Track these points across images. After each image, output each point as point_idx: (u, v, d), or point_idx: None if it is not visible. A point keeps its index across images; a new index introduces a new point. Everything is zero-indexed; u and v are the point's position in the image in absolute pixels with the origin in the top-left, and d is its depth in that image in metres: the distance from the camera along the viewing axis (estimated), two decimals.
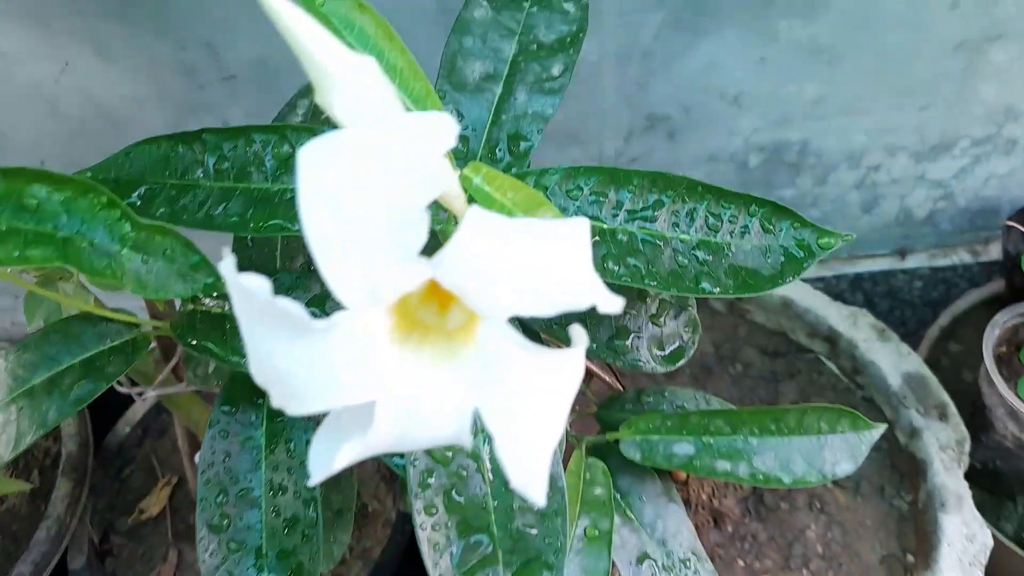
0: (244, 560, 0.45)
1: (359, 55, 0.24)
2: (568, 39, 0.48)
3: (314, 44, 0.23)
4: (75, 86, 0.72)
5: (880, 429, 0.57)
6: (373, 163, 0.22)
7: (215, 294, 0.44)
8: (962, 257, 1.03)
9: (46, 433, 0.42)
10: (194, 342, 0.43)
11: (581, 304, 0.23)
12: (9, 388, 0.43)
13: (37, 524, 0.83)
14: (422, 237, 0.22)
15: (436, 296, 0.28)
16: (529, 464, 0.24)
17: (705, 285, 0.42)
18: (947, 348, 0.99)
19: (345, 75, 0.23)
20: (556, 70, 0.48)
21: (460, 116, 0.46)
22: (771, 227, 0.43)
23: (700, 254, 0.42)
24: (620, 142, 0.85)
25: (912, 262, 1.04)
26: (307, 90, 0.60)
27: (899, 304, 1.09)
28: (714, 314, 0.95)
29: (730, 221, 0.43)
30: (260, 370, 0.25)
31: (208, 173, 0.40)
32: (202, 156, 0.40)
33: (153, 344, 0.73)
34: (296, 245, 0.46)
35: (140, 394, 0.71)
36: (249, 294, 0.23)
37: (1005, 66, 0.80)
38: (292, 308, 0.23)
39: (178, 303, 0.47)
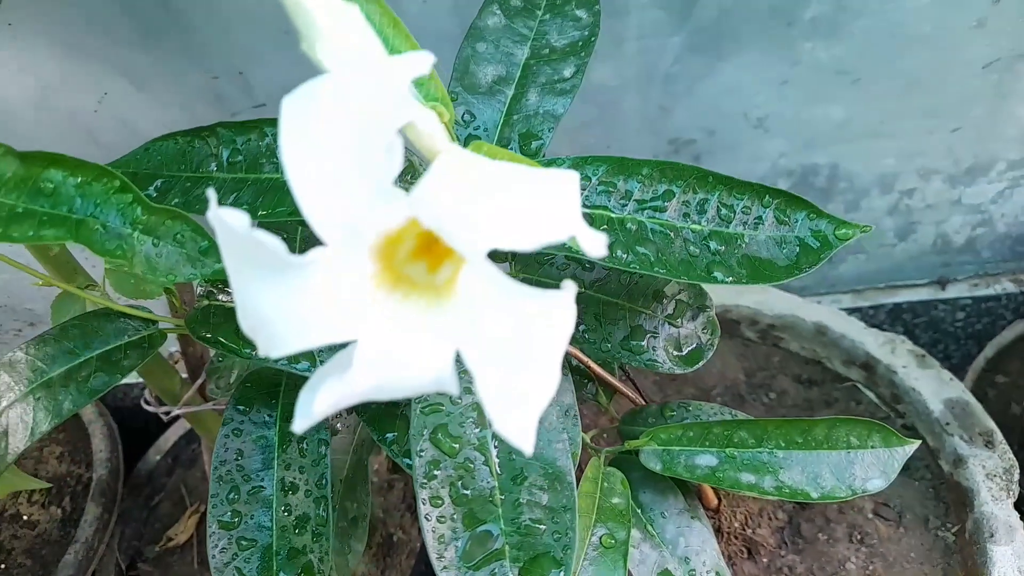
0: (254, 558, 0.45)
1: (343, 3, 0.24)
2: (580, 43, 0.49)
3: None
4: (112, 115, 0.75)
5: (913, 445, 0.54)
6: (344, 99, 0.22)
7: (229, 288, 0.44)
8: (1005, 287, 1.00)
9: (60, 423, 0.42)
10: (208, 335, 0.44)
11: (562, 237, 0.23)
12: (29, 380, 0.43)
13: (66, 550, 0.84)
14: (395, 168, 0.22)
15: (427, 255, 0.28)
16: (512, 407, 0.23)
17: (718, 274, 0.41)
18: (993, 380, 0.96)
19: (328, 22, 0.24)
20: (568, 72, 0.48)
21: (472, 116, 0.47)
22: (786, 218, 0.43)
23: (712, 244, 0.42)
24: None
25: (953, 292, 1.01)
26: None
27: (941, 336, 1.06)
28: (746, 343, 0.93)
29: (743, 212, 0.42)
30: (245, 314, 0.25)
31: (222, 165, 0.41)
32: (216, 149, 0.42)
33: (180, 362, 0.75)
34: (313, 236, 0.47)
35: (167, 413, 0.72)
36: (230, 228, 0.23)
37: None
38: (270, 240, 0.23)
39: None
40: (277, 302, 0.24)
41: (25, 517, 0.91)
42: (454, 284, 0.25)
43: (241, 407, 0.48)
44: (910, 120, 0.82)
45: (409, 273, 0.27)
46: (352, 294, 0.24)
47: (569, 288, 0.25)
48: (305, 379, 0.26)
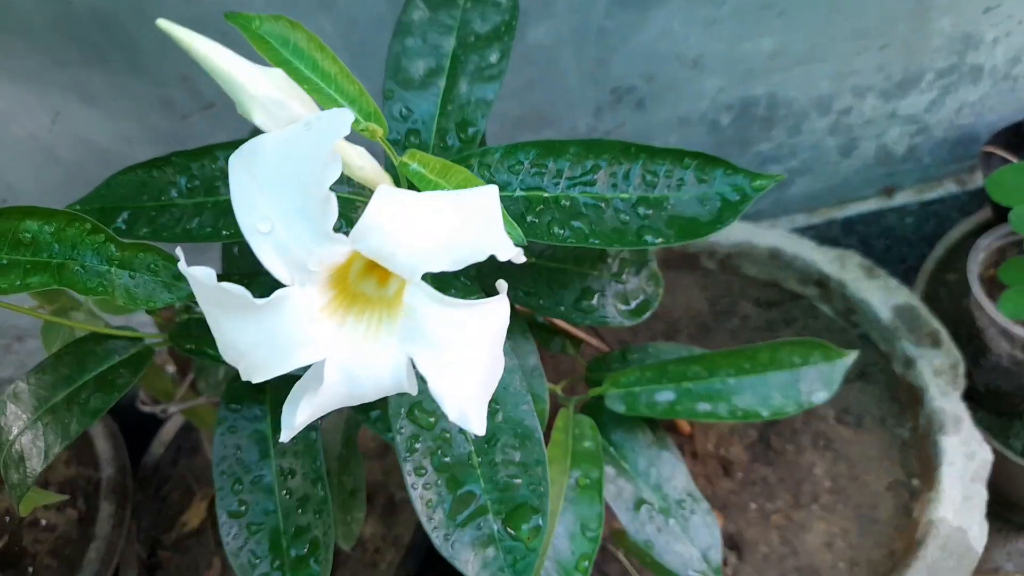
0: (264, 539, 0.49)
1: (267, 68, 0.27)
2: (502, 27, 0.52)
3: (225, 64, 0.26)
4: (68, 133, 0.77)
5: (852, 355, 0.59)
6: (284, 159, 0.25)
7: None
8: (949, 188, 1.05)
9: (70, 445, 0.46)
10: (191, 347, 0.47)
11: (482, 255, 0.27)
12: (34, 408, 0.47)
13: (87, 547, 0.89)
14: (332, 215, 0.26)
15: (375, 270, 0.32)
16: (461, 399, 0.28)
17: (648, 237, 0.45)
18: (944, 279, 1.01)
19: (255, 87, 0.27)
20: (494, 57, 0.51)
21: (409, 111, 0.50)
22: (705, 176, 0.46)
23: (641, 209, 0.45)
24: (591, 118, 0.88)
25: (900, 199, 1.05)
26: None
27: (894, 242, 1.11)
28: (707, 273, 0.98)
29: (666, 176, 0.46)
30: (225, 349, 0.29)
31: (181, 192, 0.44)
32: (174, 177, 0.45)
33: (171, 365, 0.78)
34: None
35: (163, 411, 0.76)
36: (200, 282, 0.27)
37: None
38: (235, 289, 0.26)
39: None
40: (251, 338, 0.27)
41: (44, 522, 0.95)
42: (401, 299, 0.29)
43: (233, 405, 0.52)
44: (839, 43, 0.85)
45: (363, 290, 0.31)
46: (313, 322, 0.28)
47: (502, 290, 0.29)
48: (287, 375, 0.30)
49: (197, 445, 1.02)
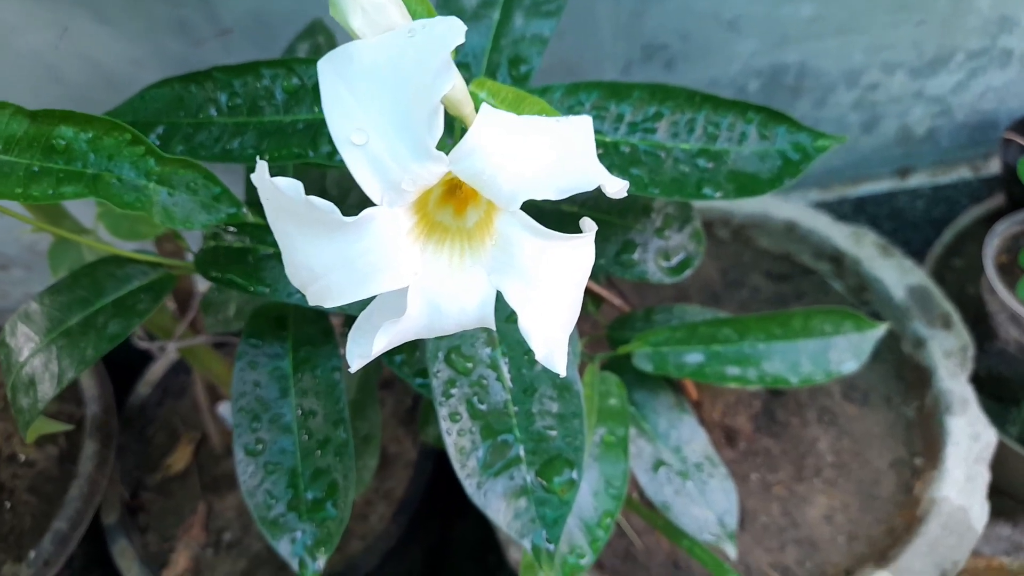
0: (281, 479, 0.48)
1: None
2: None
3: None
4: (75, 51, 0.73)
5: (883, 327, 0.58)
6: (387, 67, 0.23)
7: (235, 229, 0.45)
8: (962, 174, 1.04)
9: (83, 369, 0.44)
10: (218, 275, 0.45)
11: (588, 186, 0.25)
12: (47, 329, 0.45)
13: (68, 485, 0.86)
14: (437, 132, 0.24)
15: (451, 200, 0.30)
16: (550, 336, 0.26)
17: (707, 191, 0.43)
18: (951, 264, 1.01)
19: None
20: None
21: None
22: (767, 133, 0.45)
23: (701, 161, 0.44)
24: (618, 74, 0.85)
25: (914, 181, 1.05)
26: (306, 34, 0.61)
27: (903, 224, 1.10)
28: (719, 243, 0.97)
29: (728, 128, 0.44)
30: (296, 271, 0.27)
31: (221, 110, 0.42)
32: (214, 94, 0.42)
33: (171, 302, 0.76)
34: (309, 173, 0.48)
35: (161, 348, 0.73)
36: (284, 196, 0.24)
37: None
38: (325, 205, 0.24)
39: (193, 244, 0.49)
40: (330, 259, 0.25)
41: (22, 457, 0.92)
42: (488, 230, 0.27)
43: (253, 340, 0.50)
44: (878, 15, 0.83)
45: (440, 219, 0.29)
46: (399, 246, 0.26)
47: (589, 229, 0.27)
48: (311, 310, 0.28)
49: (185, 386, 1.00)
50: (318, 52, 0.54)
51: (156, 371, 1.02)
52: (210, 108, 0.42)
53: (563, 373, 0.27)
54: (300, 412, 0.49)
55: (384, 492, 0.89)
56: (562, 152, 0.25)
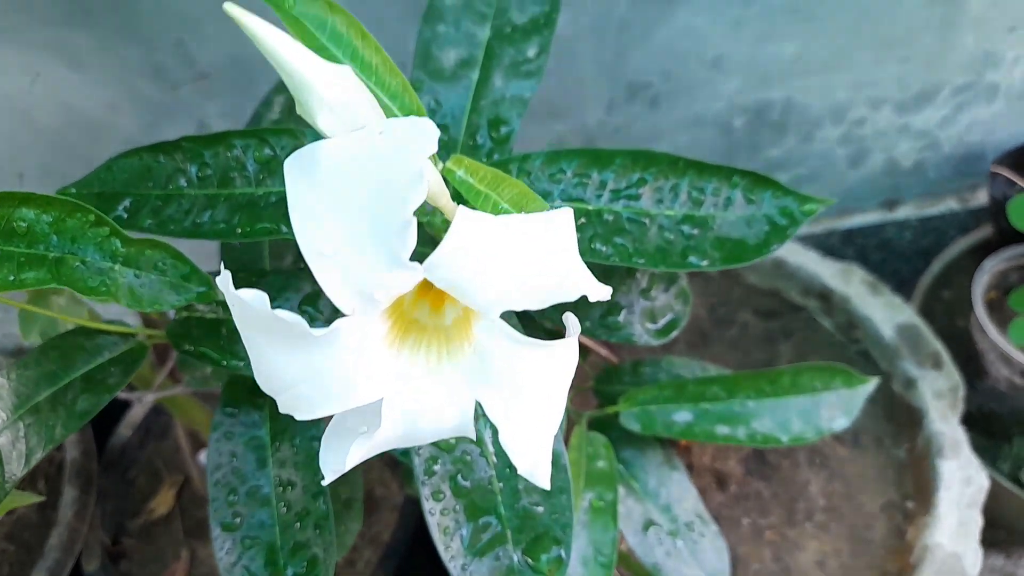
0: (259, 555, 0.46)
1: (335, 65, 0.24)
2: (542, 19, 0.48)
3: (292, 58, 0.23)
4: (48, 96, 0.72)
5: (872, 383, 0.57)
6: (356, 173, 0.22)
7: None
8: (950, 205, 1.04)
9: (55, 447, 0.42)
10: (191, 348, 0.44)
11: (571, 296, 0.24)
12: (14, 405, 0.43)
13: (48, 532, 0.84)
14: (411, 242, 0.22)
15: (427, 296, 0.29)
16: (533, 450, 0.25)
17: (692, 259, 0.42)
18: (940, 296, 1.00)
19: (323, 86, 0.23)
20: (532, 52, 0.48)
21: (438, 104, 0.46)
22: (753, 197, 0.44)
23: (686, 228, 0.43)
24: (602, 113, 0.85)
25: (902, 213, 1.05)
26: (282, 86, 0.59)
27: (891, 256, 1.10)
28: (707, 279, 0.96)
29: (713, 194, 0.43)
30: (266, 380, 0.26)
31: (191, 181, 0.40)
32: (183, 164, 0.40)
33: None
34: (284, 243, 0.46)
35: (139, 399, 0.71)
36: (249, 308, 0.23)
37: (981, 13, 0.80)
38: (291, 319, 0.23)
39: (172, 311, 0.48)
40: (299, 372, 0.24)
41: None
42: (467, 331, 0.26)
43: (229, 409, 0.49)
44: (861, 52, 0.83)
45: (416, 317, 0.28)
46: (371, 358, 0.25)
47: (573, 331, 0.26)
48: None
49: (168, 427, 0.98)
50: (292, 109, 0.53)
51: (137, 412, 1.00)
52: (180, 179, 0.40)
53: (547, 487, 0.25)
54: (278, 483, 0.48)
55: (370, 537, 0.87)
56: (543, 257, 0.24)
